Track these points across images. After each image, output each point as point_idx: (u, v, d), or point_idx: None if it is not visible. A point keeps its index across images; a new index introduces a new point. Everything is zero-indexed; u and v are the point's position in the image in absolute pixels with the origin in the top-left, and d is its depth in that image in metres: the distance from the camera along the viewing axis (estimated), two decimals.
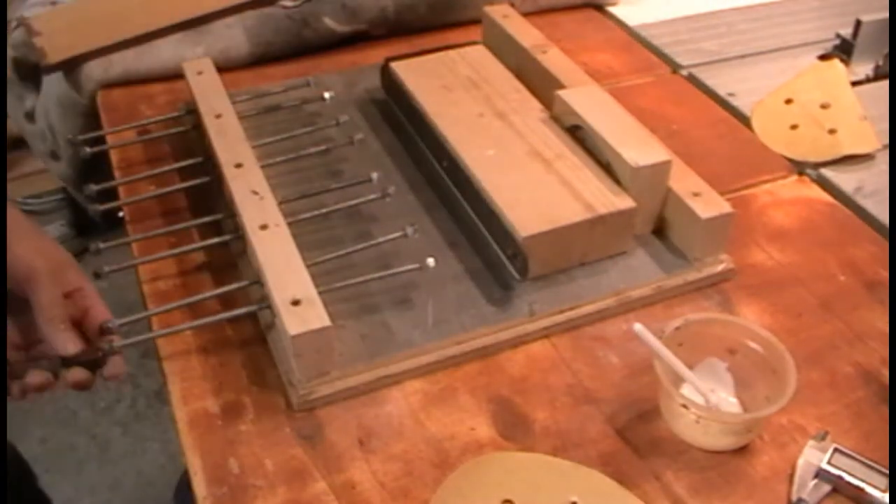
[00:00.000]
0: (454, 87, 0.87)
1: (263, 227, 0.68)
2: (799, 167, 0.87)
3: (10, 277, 0.59)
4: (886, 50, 1.01)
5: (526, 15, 0.97)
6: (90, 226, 1.95)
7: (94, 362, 0.60)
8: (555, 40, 0.92)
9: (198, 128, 0.83)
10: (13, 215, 0.62)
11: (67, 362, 0.59)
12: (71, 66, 0.98)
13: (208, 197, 0.79)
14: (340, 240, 0.75)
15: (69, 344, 0.59)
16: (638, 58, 1.07)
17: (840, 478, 0.57)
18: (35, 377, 0.59)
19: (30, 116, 1.11)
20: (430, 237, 0.76)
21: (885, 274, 0.75)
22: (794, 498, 0.57)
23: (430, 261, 0.68)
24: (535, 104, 0.84)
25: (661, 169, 0.73)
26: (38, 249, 0.61)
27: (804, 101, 0.93)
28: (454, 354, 0.66)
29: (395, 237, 0.71)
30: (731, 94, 0.98)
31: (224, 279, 0.71)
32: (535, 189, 0.73)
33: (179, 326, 0.66)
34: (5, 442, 0.93)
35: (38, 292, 0.59)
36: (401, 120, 0.90)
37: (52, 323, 0.59)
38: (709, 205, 0.72)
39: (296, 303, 0.61)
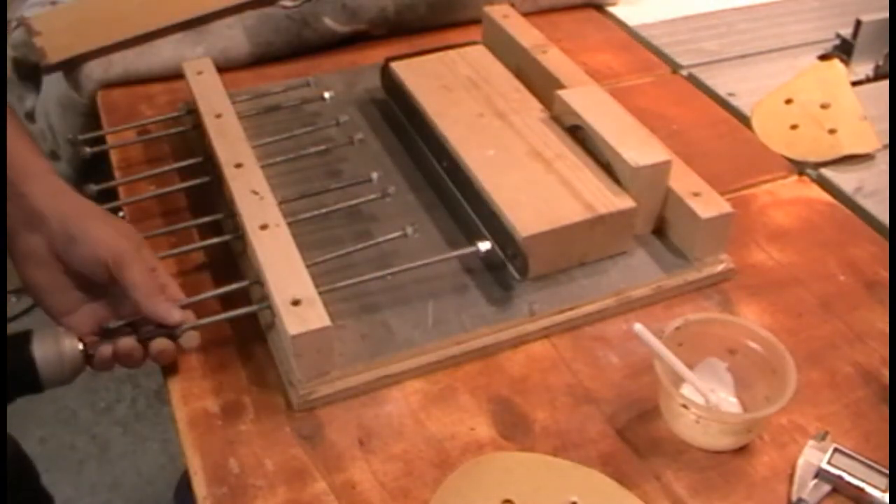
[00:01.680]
0: (454, 87, 0.87)
1: (263, 227, 0.68)
2: (799, 167, 0.88)
3: (94, 261, 0.61)
4: (886, 50, 1.01)
5: (526, 15, 0.97)
6: None
7: (171, 336, 0.62)
8: (555, 40, 0.92)
9: (198, 128, 0.83)
10: (86, 202, 0.64)
11: (150, 336, 0.62)
12: (71, 66, 0.98)
13: (208, 197, 0.79)
14: (340, 240, 0.75)
15: (174, 312, 0.62)
16: (638, 58, 1.07)
17: (840, 478, 0.57)
18: (125, 343, 0.61)
19: (30, 116, 1.11)
20: (430, 237, 0.76)
21: (885, 274, 0.75)
22: (794, 498, 0.57)
23: (410, 229, 0.69)
24: (535, 104, 0.84)
25: (661, 169, 0.73)
26: (118, 230, 0.63)
27: (804, 101, 0.93)
28: (454, 354, 0.66)
29: (394, 237, 0.71)
30: (731, 94, 0.98)
31: (224, 279, 0.71)
32: (535, 189, 0.73)
33: (182, 326, 0.66)
34: (5, 440, 0.93)
35: (131, 271, 0.61)
36: (401, 120, 0.90)
37: (151, 297, 0.61)
38: (709, 205, 0.72)
39: (296, 303, 0.61)
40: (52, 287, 0.63)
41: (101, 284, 0.63)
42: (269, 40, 1.01)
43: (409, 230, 0.70)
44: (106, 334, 0.63)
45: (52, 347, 0.60)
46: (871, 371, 0.66)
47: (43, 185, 0.63)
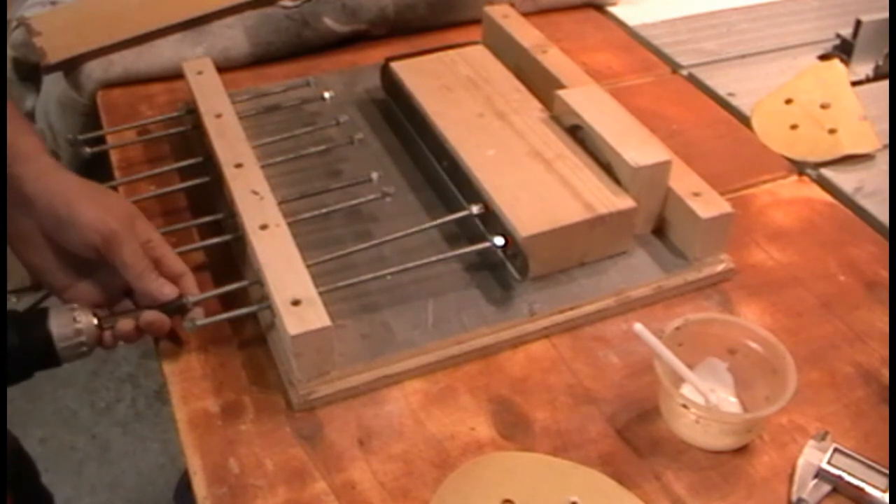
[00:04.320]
0: (454, 87, 0.87)
1: (263, 227, 0.68)
2: (799, 167, 0.87)
3: (84, 245, 0.61)
4: (886, 50, 1.01)
5: (526, 15, 0.97)
6: None
7: (176, 311, 0.63)
8: (555, 40, 0.92)
9: (198, 128, 0.83)
10: (73, 180, 0.63)
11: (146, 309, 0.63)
12: (71, 66, 0.98)
13: (208, 197, 0.79)
14: (340, 240, 0.75)
15: (166, 289, 0.62)
16: (638, 58, 1.07)
17: (840, 478, 0.57)
18: (125, 325, 0.62)
19: (30, 116, 1.11)
20: (431, 237, 0.75)
21: (885, 274, 0.75)
22: (794, 498, 0.57)
23: (375, 175, 0.74)
24: (535, 104, 0.84)
25: (661, 169, 0.73)
26: (107, 209, 0.62)
27: (804, 101, 0.93)
28: (454, 354, 0.66)
29: (395, 237, 0.71)
30: (731, 94, 0.98)
31: (224, 279, 0.71)
32: (535, 189, 0.73)
33: (183, 325, 0.66)
34: (5, 437, 0.93)
35: (121, 251, 0.61)
36: (401, 120, 0.90)
37: (143, 276, 0.62)
38: (709, 205, 0.72)
39: (296, 303, 0.61)
40: (47, 267, 0.64)
41: (95, 265, 0.63)
42: (269, 40, 1.01)
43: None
44: (112, 309, 0.64)
45: (68, 323, 0.61)
46: (871, 371, 0.66)
47: (32, 167, 0.62)
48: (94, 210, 0.61)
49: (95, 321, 0.62)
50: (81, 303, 0.63)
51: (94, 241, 0.61)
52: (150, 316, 0.62)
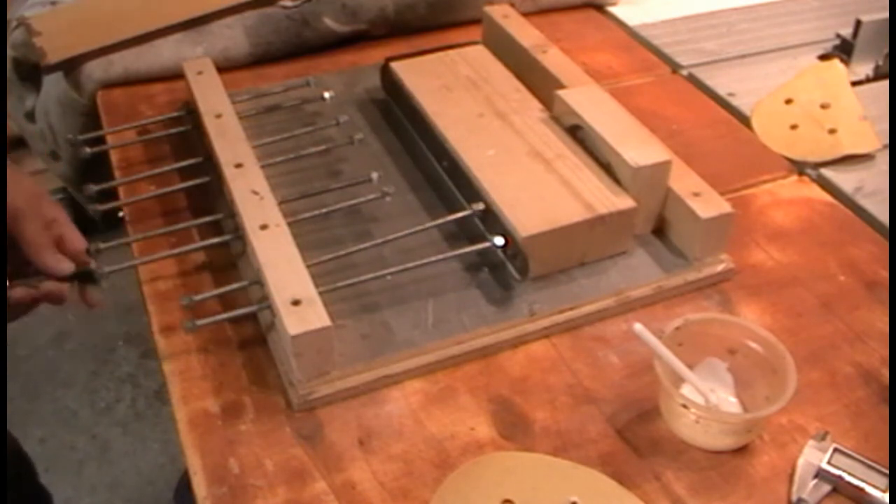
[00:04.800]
0: (454, 87, 0.87)
1: (263, 227, 0.68)
2: (799, 167, 0.88)
3: None
4: (886, 50, 1.01)
5: (526, 15, 0.97)
6: (90, 226, 1.95)
7: (86, 279, 0.66)
8: (555, 40, 0.92)
9: (198, 128, 0.83)
10: None
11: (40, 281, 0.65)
12: (71, 66, 0.98)
13: (208, 197, 0.79)
14: (340, 240, 0.75)
15: (63, 264, 0.65)
16: (638, 58, 1.07)
17: (840, 478, 0.57)
18: (18, 293, 0.65)
19: (30, 116, 1.11)
20: (431, 237, 0.75)
21: (885, 274, 0.75)
22: (794, 498, 0.57)
23: (375, 175, 0.75)
24: (535, 104, 0.84)
25: (661, 169, 0.73)
26: (17, 189, 0.65)
27: (804, 101, 0.93)
28: (454, 354, 0.66)
29: (395, 237, 0.71)
30: (731, 94, 0.98)
31: (224, 279, 0.71)
32: (535, 189, 0.73)
33: (183, 325, 0.66)
34: (5, 436, 0.93)
35: (23, 228, 0.64)
36: (401, 120, 0.90)
37: (40, 252, 0.64)
38: (709, 205, 0.72)
39: (296, 303, 0.61)
40: None
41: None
42: (269, 40, 1.01)
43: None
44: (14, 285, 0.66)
45: None
46: (871, 371, 0.66)
47: None
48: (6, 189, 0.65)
49: None
50: None
51: None
52: (49, 286, 0.65)
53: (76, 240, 0.67)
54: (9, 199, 0.64)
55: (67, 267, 0.65)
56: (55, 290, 0.65)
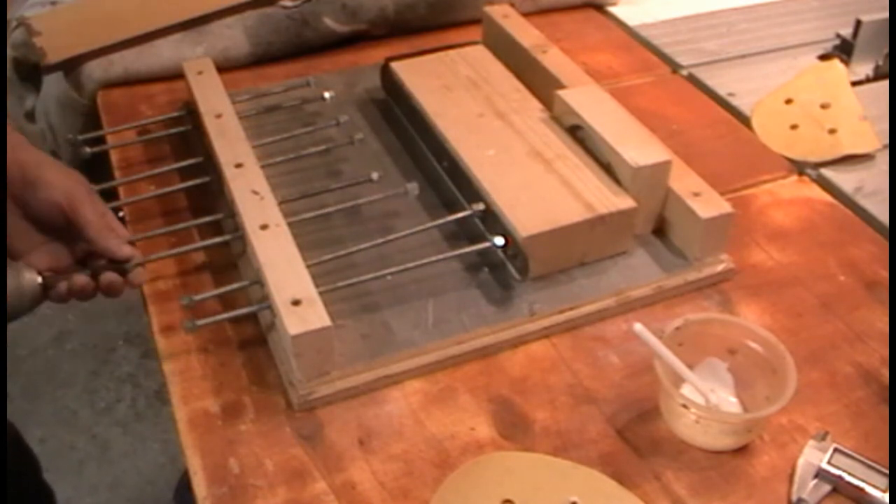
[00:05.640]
0: (454, 87, 0.87)
1: (264, 227, 0.68)
2: (799, 167, 0.88)
3: (51, 204, 0.65)
4: (886, 50, 1.01)
5: (526, 15, 0.97)
6: None
7: (121, 272, 0.67)
8: (555, 40, 0.92)
9: (198, 128, 0.83)
10: (39, 153, 0.68)
11: (100, 271, 0.66)
12: (71, 66, 0.98)
13: (208, 197, 0.79)
14: (340, 240, 0.75)
15: (124, 248, 0.66)
16: (638, 58, 1.07)
17: (840, 478, 0.57)
18: (80, 279, 0.65)
19: (30, 116, 1.11)
20: (431, 237, 0.75)
21: (885, 274, 0.75)
22: (794, 498, 0.57)
23: (375, 175, 0.76)
24: (535, 104, 0.84)
25: (662, 169, 0.73)
26: (67, 175, 0.67)
27: (804, 101, 0.93)
28: (454, 354, 0.66)
29: (395, 237, 0.71)
30: (731, 94, 0.98)
31: (224, 279, 0.71)
32: (535, 189, 0.73)
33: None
34: (5, 434, 0.93)
35: (84, 210, 0.65)
36: (401, 120, 0.90)
37: (103, 235, 0.65)
38: (709, 205, 0.72)
39: (296, 303, 0.61)
40: (13, 232, 0.66)
41: (57, 227, 0.66)
42: (269, 40, 1.01)
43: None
44: (61, 272, 0.67)
45: (13, 280, 0.63)
46: (871, 371, 0.66)
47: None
48: (59, 174, 0.66)
49: (39, 280, 0.64)
50: (39, 266, 0.66)
51: (58, 199, 0.65)
52: (110, 277, 0.66)
53: (125, 232, 0.68)
54: (66, 186, 0.65)
55: (129, 251, 0.66)
56: (116, 281, 0.66)
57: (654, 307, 0.71)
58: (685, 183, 0.74)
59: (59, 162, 0.69)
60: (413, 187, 0.75)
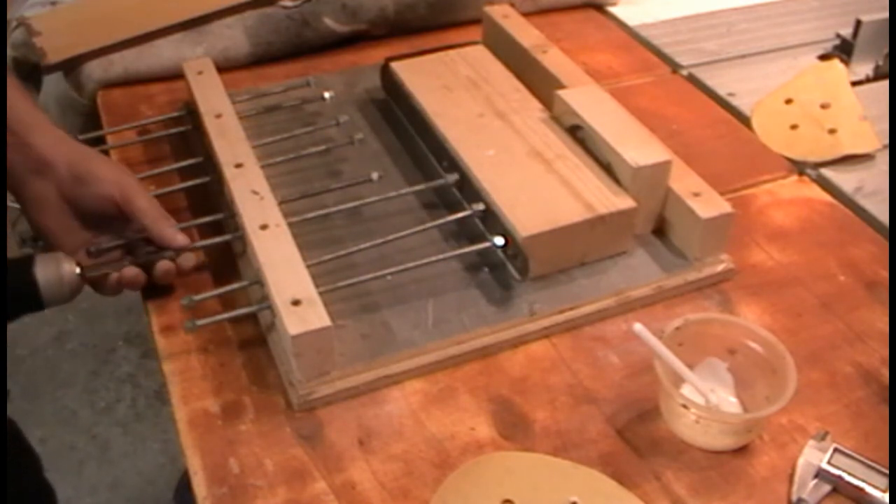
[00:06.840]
0: (454, 87, 0.87)
1: (264, 227, 0.68)
2: (799, 167, 0.88)
3: (103, 197, 0.66)
4: (886, 50, 1.01)
5: (526, 15, 0.97)
6: None
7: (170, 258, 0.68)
8: (555, 40, 0.92)
9: (198, 128, 0.83)
10: (85, 148, 0.70)
11: (147, 258, 0.67)
12: (71, 66, 0.98)
13: (208, 197, 0.79)
14: (340, 240, 0.75)
15: (179, 237, 0.68)
16: (638, 58, 1.07)
17: (840, 478, 0.57)
18: (130, 271, 0.66)
19: None
20: (431, 237, 0.75)
21: (885, 274, 0.75)
22: (794, 498, 0.57)
23: (375, 175, 0.76)
24: (535, 104, 0.84)
25: (662, 169, 0.73)
26: (115, 166, 0.69)
27: (804, 101, 0.93)
28: (454, 354, 0.66)
29: (395, 237, 0.71)
30: (731, 94, 0.98)
31: (224, 279, 0.71)
32: (535, 189, 0.73)
33: (185, 324, 0.66)
34: (6, 431, 0.93)
35: (138, 199, 0.67)
36: (401, 120, 0.90)
37: (158, 221, 0.67)
38: (709, 205, 0.72)
39: (296, 303, 0.61)
40: (61, 229, 0.68)
41: (106, 222, 0.68)
42: (269, 40, 1.01)
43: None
44: (97, 255, 0.68)
45: (53, 269, 0.64)
46: (871, 371, 0.66)
47: (47, 135, 0.67)
48: (107, 166, 0.68)
49: (78, 270, 0.65)
50: (86, 262, 0.67)
51: (111, 192, 0.66)
52: (165, 266, 0.67)
53: (173, 220, 0.69)
54: (117, 178, 0.67)
55: (182, 239, 0.67)
56: (171, 269, 0.68)
57: (654, 307, 0.71)
58: (685, 183, 0.74)
59: (101, 154, 0.70)
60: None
